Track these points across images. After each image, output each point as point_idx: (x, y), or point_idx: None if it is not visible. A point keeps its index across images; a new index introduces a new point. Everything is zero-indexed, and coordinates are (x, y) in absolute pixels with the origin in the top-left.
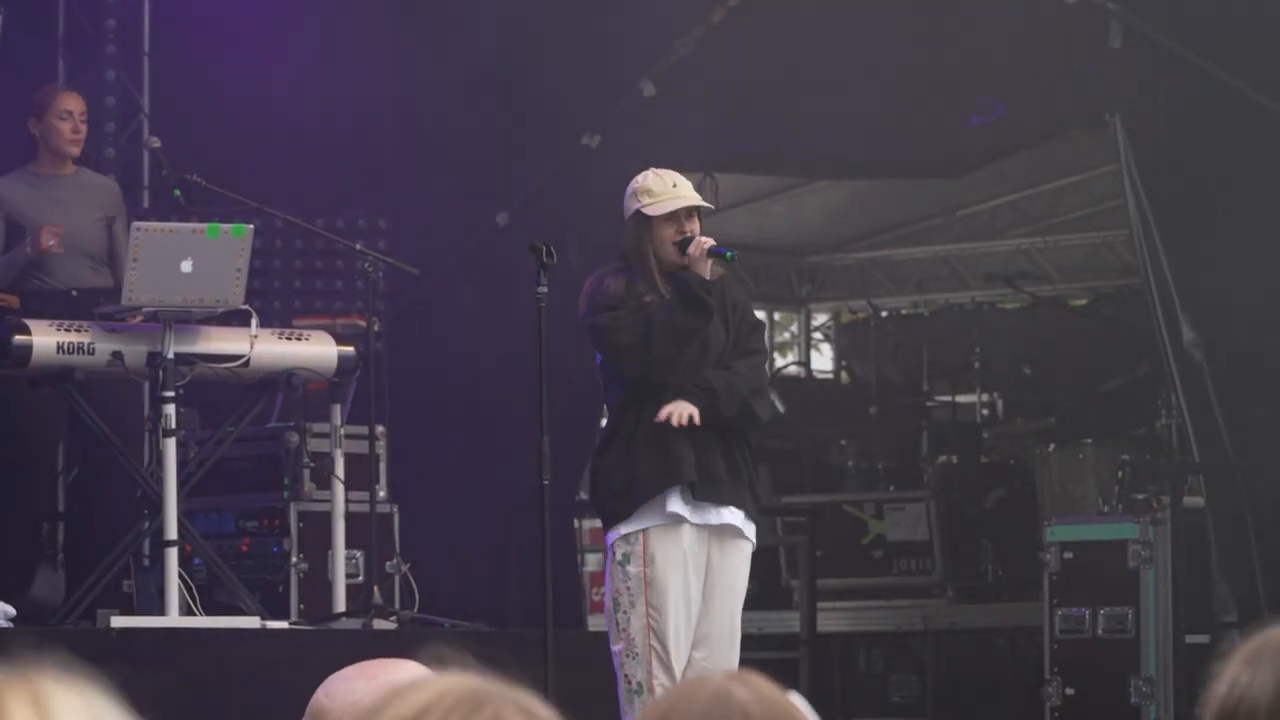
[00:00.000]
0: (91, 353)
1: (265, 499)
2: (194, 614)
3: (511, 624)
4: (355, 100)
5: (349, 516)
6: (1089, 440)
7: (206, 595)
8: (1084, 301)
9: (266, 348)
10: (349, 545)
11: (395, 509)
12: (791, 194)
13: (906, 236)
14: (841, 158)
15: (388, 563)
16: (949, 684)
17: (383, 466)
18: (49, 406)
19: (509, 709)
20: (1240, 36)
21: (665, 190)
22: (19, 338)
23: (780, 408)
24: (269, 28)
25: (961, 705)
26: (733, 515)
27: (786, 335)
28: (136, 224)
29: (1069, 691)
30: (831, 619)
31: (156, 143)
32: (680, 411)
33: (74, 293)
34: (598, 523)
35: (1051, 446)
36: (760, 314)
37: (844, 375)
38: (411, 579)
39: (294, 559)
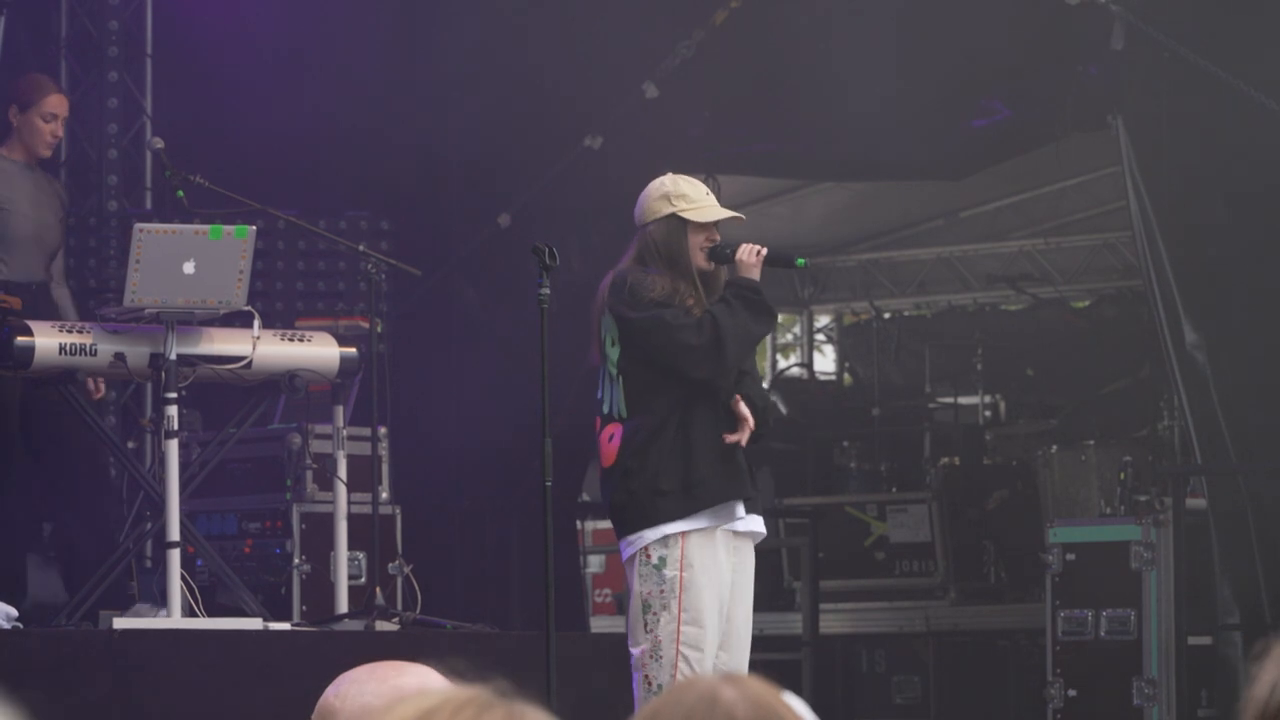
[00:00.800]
0: (94, 354)
1: (267, 500)
2: (196, 615)
3: (514, 626)
4: (358, 101)
5: (351, 518)
6: (1091, 442)
7: (209, 597)
8: (1086, 303)
9: (269, 349)
10: (351, 547)
11: (397, 510)
12: (794, 196)
13: (909, 238)
14: (843, 160)
15: (390, 564)
16: (951, 686)
17: (385, 468)
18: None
19: (516, 716)
20: (1242, 38)
21: (700, 197)
22: (21, 339)
23: (783, 409)
24: (271, 29)
25: (964, 707)
26: (756, 523)
27: (789, 337)
28: (139, 225)
29: (1071, 693)
30: (834, 620)
31: (159, 144)
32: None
33: (33, 286)
34: (600, 524)
35: (1054, 448)
36: None
37: (846, 377)
38: (414, 580)
39: (296, 560)
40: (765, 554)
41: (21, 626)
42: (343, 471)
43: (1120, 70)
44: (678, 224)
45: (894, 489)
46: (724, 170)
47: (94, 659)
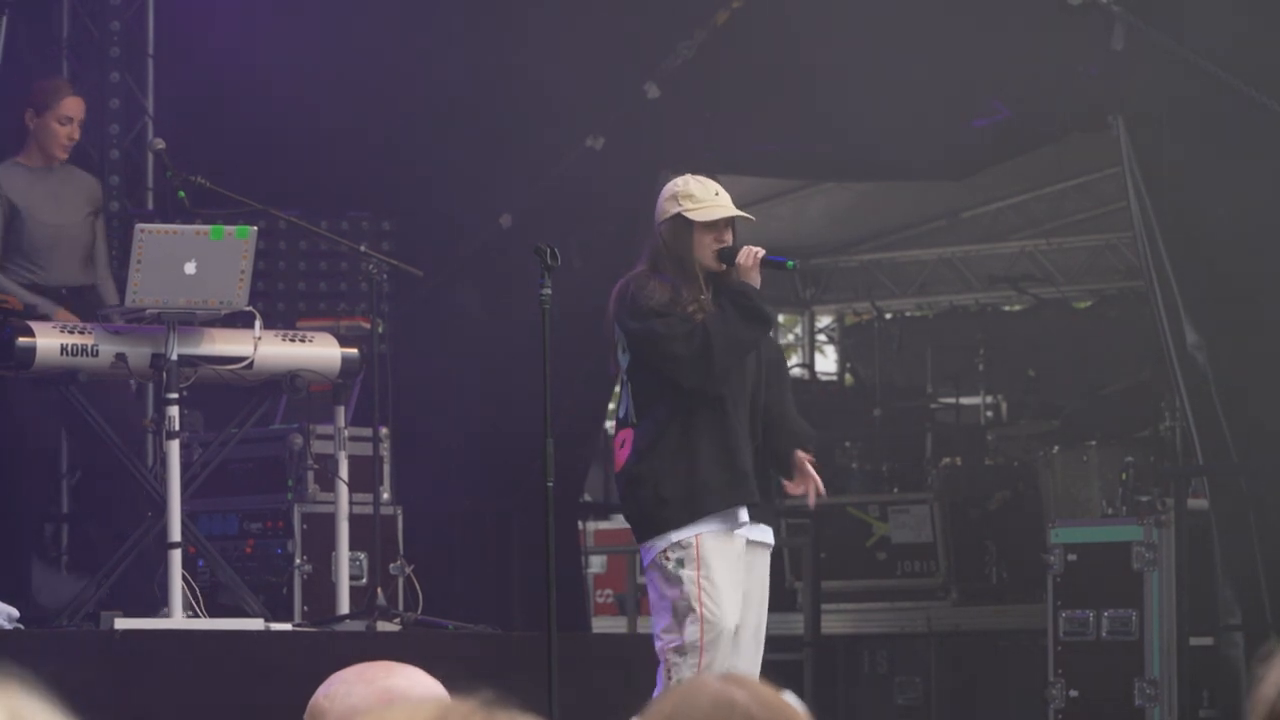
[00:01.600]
0: (95, 354)
1: (269, 501)
2: (198, 615)
3: (515, 626)
4: (359, 102)
5: (352, 518)
6: (1093, 442)
7: (210, 597)
8: (1088, 304)
9: (270, 349)
10: (352, 547)
11: (399, 511)
12: (795, 196)
13: (910, 239)
14: (845, 160)
15: (391, 564)
16: (953, 686)
17: (386, 468)
18: (52, 408)
19: None
20: (1243, 38)
21: (708, 197)
22: (22, 340)
23: None
24: (273, 30)
25: (965, 707)
26: (764, 534)
27: (791, 337)
28: (140, 225)
29: (1073, 693)
30: (835, 621)
31: (161, 144)
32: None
33: (64, 290)
34: (602, 525)
35: (1055, 448)
36: None
37: (848, 377)
38: (415, 581)
39: (297, 561)
40: None
41: (23, 628)
42: (344, 472)
43: (1121, 70)
44: (683, 224)
45: (895, 489)
46: (725, 171)
47: (95, 660)
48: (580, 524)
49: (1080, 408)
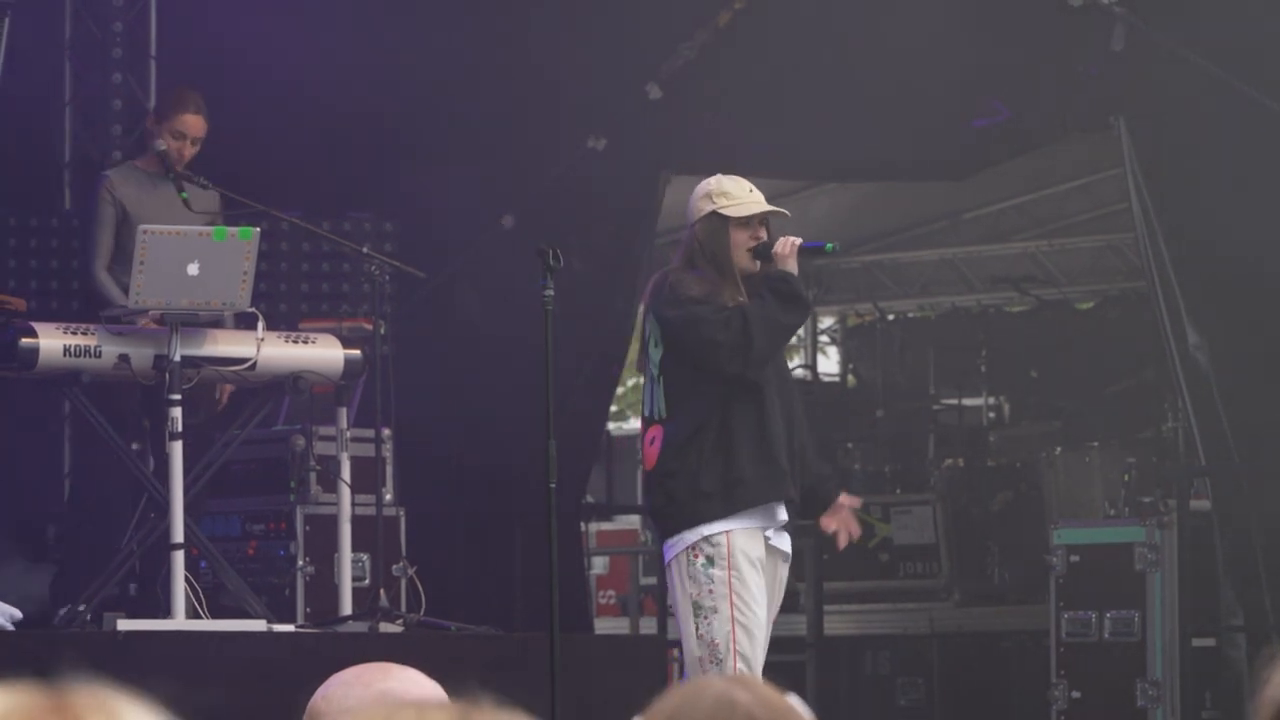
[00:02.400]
0: (98, 355)
1: (271, 502)
2: (200, 617)
3: (517, 627)
4: (361, 104)
5: (355, 519)
6: (1095, 443)
7: (212, 598)
8: (1090, 305)
9: (273, 351)
10: (355, 548)
11: (401, 512)
12: (797, 197)
13: (912, 240)
14: (847, 161)
15: (394, 566)
16: (955, 687)
17: (389, 469)
18: (54, 409)
19: None
20: (1244, 39)
21: (743, 194)
22: (26, 340)
23: None
24: (275, 31)
25: (968, 708)
26: (785, 542)
27: (793, 339)
28: (143, 227)
29: (1075, 694)
30: (838, 622)
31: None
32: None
33: None
34: (604, 526)
35: (1058, 449)
36: None
37: (850, 378)
38: (418, 582)
39: (300, 562)
40: None
41: (25, 629)
42: (346, 473)
43: (1122, 71)
44: (718, 221)
45: (898, 490)
46: (727, 171)
47: (97, 661)
48: (583, 525)
49: (1082, 409)
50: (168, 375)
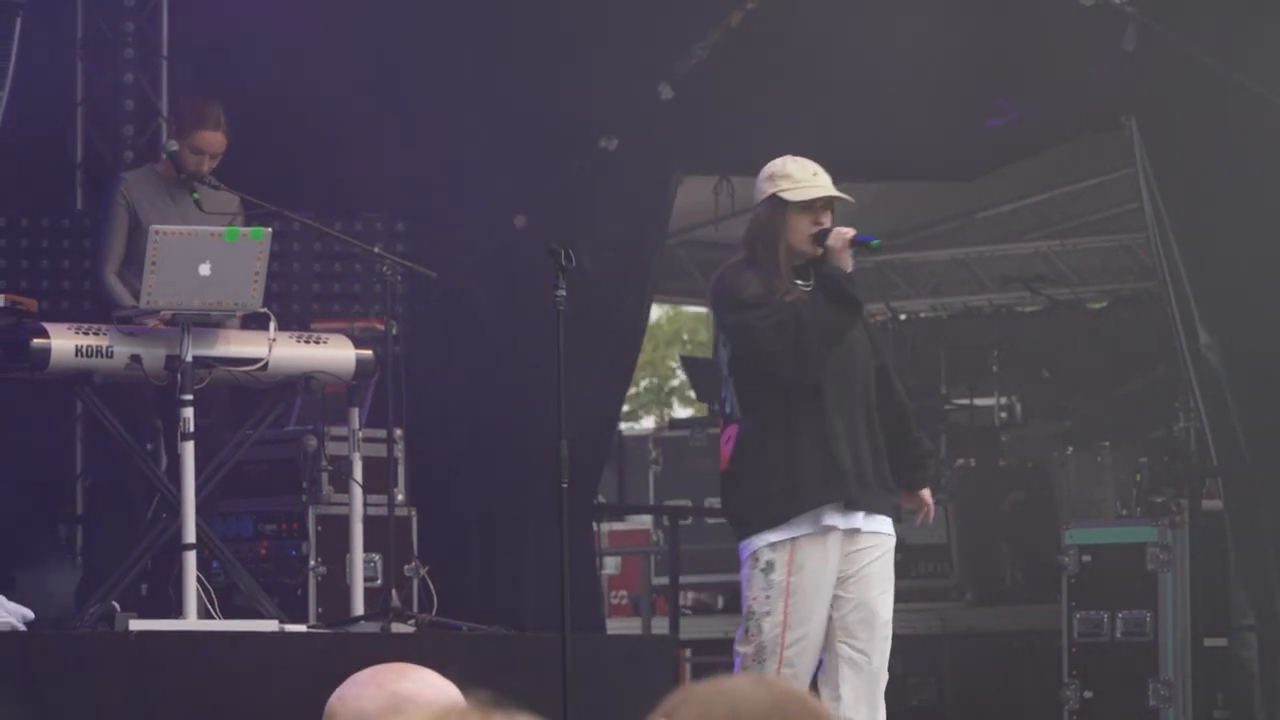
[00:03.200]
0: (110, 356)
1: (283, 502)
2: (212, 617)
3: (529, 628)
4: (373, 102)
5: (367, 520)
6: (1107, 443)
7: (224, 598)
8: (1102, 304)
9: (285, 351)
10: (367, 548)
11: (413, 512)
12: None
13: (924, 239)
14: (858, 161)
15: (406, 566)
16: (967, 687)
17: (401, 470)
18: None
19: None
20: (1254, 39)
21: (806, 177)
22: (37, 341)
23: None
24: (287, 32)
25: (979, 708)
26: (881, 524)
27: None
28: (155, 228)
29: (1087, 694)
30: None
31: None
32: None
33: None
34: (617, 526)
35: (1070, 449)
36: None
37: None
38: (429, 582)
39: (312, 562)
40: None
41: (38, 629)
42: (358, 473)
43: (1133, 71)
44: (778, 205)
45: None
46: (739, 171)
47: (110, 661)
48: (595, 525)
49: (1094, 408)
50: (180, 376)
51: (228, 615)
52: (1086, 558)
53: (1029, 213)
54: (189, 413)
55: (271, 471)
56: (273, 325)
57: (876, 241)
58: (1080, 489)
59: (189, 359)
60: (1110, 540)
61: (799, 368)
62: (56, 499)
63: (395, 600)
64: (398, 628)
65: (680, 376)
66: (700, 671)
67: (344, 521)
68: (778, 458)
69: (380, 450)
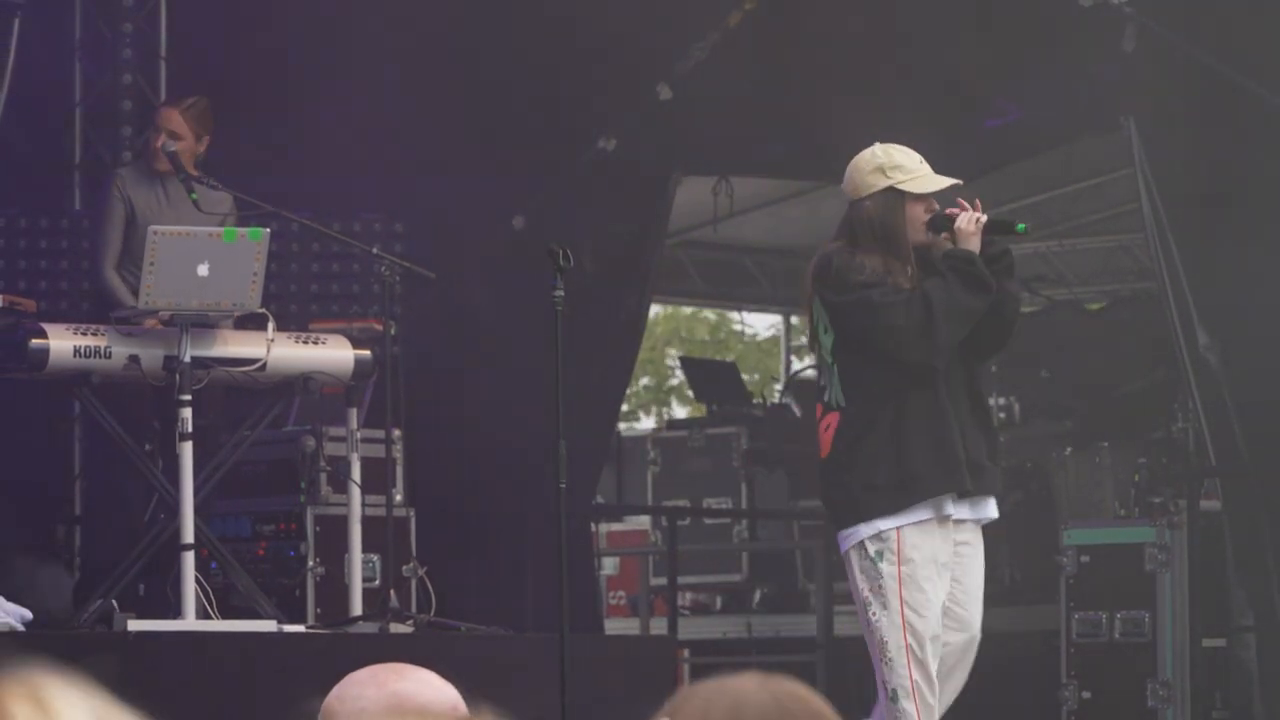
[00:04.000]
0: (108, 356)
1: (282, 503)
2: (210, 618)
3: (527, 628)
4: (370, 102)
5: (365, 520)
6: (1106, 444)
7: (223, 599)
8: (1100, 305)
9: (283, 351)
10: (365, 549)
11: (411, 513)
12: (808, 197)
13: None
14: None
15: (404, 566)
16: (965, 687)
17: (399, 470)
18: (64, 410)
19: None
20: (1254, 39)
21: (916, 166)
22: (36, 341)
23: (797, 411)
24: (284, 32)
25: (977, 708)
26: (989, 508)
27: (804, 338)
28: (153, 228)
29: (1086, 695)
30: (848, 622)
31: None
32: None
33: None
34: (615, 527)
35: (1068, 450)
36: (777, 316)
37: None
38: (428, 582)
39: (310, 563)
40: (779, 556)
41: (36, 629)
42: (357, 474)
43: (1132, 72)
44: (895, 197)
45: None
46: (738, 172)
47: (108, 662)
48: (593, 526)
49: (1093, 409)
50: (178, 376)
51: (226, 616)
52: (1085, 558)
53: (1027, 213)
54: (187, 413)
55: (270, 472)
56: (271, 325)
57: (1022, 226)
58: (1079, 489)
59: (187, 359)
60: (1109, 541)
61: (929, 350)
62: (55, 499)
63: (393, 601)
64: (396, 628)
65: (679, 377)
66: (699, 672)
67: (342, 522)
68: (889, 447)
69: (378, 451)
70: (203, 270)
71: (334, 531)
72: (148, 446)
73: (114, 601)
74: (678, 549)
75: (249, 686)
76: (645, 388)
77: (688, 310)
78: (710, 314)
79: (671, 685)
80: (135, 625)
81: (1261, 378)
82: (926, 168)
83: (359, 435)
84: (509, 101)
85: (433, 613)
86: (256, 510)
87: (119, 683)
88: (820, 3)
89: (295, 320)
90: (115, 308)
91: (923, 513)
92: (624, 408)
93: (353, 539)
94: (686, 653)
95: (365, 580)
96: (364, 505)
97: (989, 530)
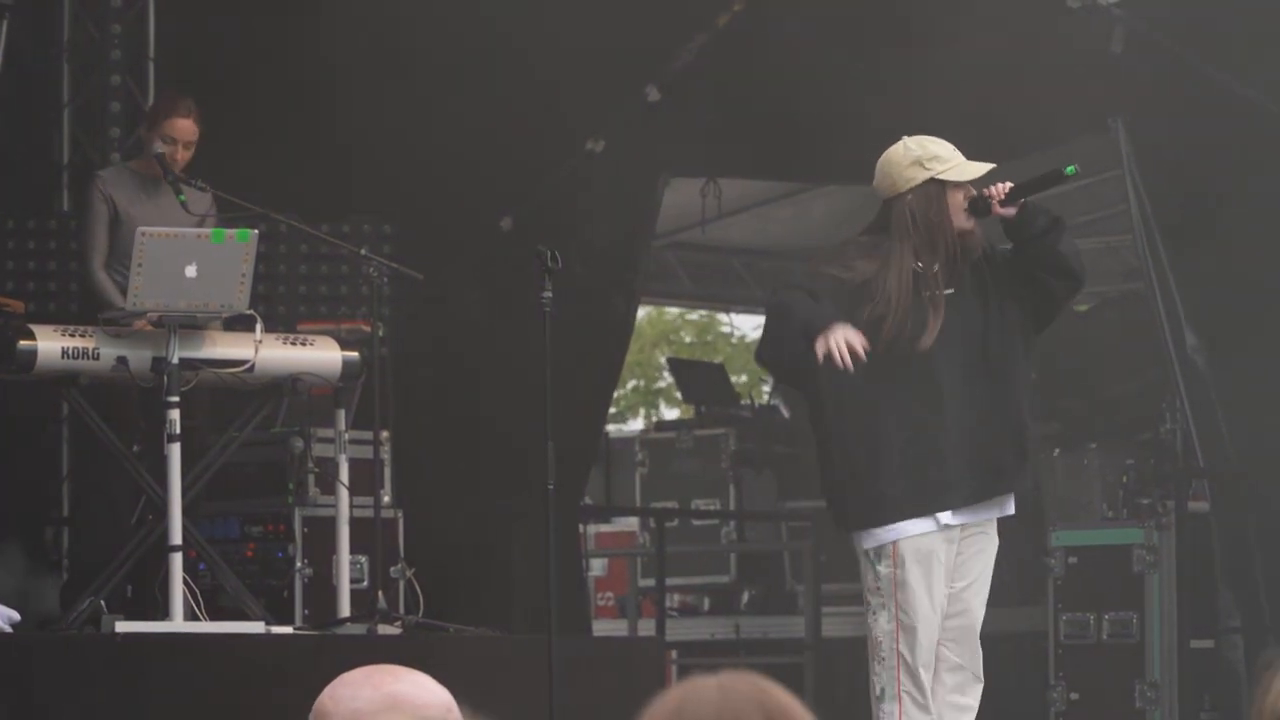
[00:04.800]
0: (96, 358)
1: (270, 504)
2: (198, 619)
3: (516, 629)
4: (359, 104)
5: (353, 521)
6: (1094, 445)
7: (211, 600)
8: (1088, 306)
9: (271, 353)
10: (353, 550)
11: (399, 514)
12: (797, 198)
13: None
14: (846, 161)
15: (392, 568)
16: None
17: (387, 471)
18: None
19: None
20: (1242, 41)
21: (951, 154)
22: (23, 342)
23: (785, 413)
24: (272, 33)
25: None
26: (993, 508)
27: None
28: (141, 229)
29: (1073, 696)
30: (836, 624)
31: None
32: None
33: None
34: (603, 528)
35: (1056, 451)
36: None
37: None
38: (416, 584)
39: (298, 564)
40: (767, 557)
41: (24, 631)
42: (345, 475)
43: (1120, 73)
44: (937, 189)
45: None
46: (727, 173)
47: (96, 663)
48: (581, 527)
49: (1081, 410)
50: (166, 377)
51: (214, 617)
52: (1073, 559)
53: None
54: (175, 414)
55: (258, 473)
56: (259, 327)
57: (1072, 168)
58: (1067, 490)
59: (175, 361)
60: (1096, 542)
61: (771, 370)
62: (42, 500)
63: (381, 602)
64: (384, 629)
65: (667, 378)
66: (687, 673)
67: (330, 523)
68: (860, 459)
69: (366, 452)
70: (191, 271)
71: (322, 533)
72: (136, 448)
73: (102, 603)
74: (666, 550)
75: (237, 688)
76: (634, 389)
77: (675, 311)
78: (698, 315)
79: (659, 687)
80: (123, 626)
81: (1249, 379)
82: (960, 155)
83: (347, 436)
84: (497, 102)
85: (421, 614)
86: (244, 511)
87: (107, 684)
88: (808, 3)
89: (283, 321)
90: (105, 308)
91: (921, 525)
92: (612, 409)
93: (341, 540)
94: (675, 654)
95: (353, 581)
96: (352, 506)
97: None
